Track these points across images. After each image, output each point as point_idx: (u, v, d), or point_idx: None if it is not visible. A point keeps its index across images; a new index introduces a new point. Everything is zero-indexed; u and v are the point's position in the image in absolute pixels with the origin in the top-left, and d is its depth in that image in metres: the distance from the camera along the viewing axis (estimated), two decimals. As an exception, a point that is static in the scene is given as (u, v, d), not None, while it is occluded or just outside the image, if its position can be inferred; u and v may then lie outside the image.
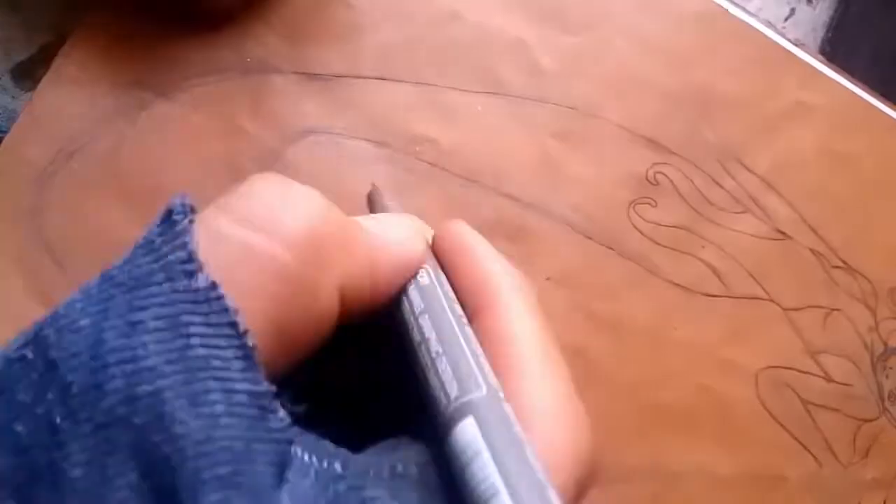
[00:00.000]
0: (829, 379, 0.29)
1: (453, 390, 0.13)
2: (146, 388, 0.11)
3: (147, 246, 0.13)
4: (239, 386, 0.12)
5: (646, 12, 0.29)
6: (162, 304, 0.12)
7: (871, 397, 0.30)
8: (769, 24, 0.30)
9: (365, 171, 0.27)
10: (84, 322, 0.12)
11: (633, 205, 0.28)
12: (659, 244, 0.28)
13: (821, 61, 0.30)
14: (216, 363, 0.12)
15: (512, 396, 0.14)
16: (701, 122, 0.29)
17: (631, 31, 0.29)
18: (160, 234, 0.13)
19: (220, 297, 0.12)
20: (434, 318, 0.15)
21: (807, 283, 0.29)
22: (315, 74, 0.27)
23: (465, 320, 0.15)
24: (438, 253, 0.17)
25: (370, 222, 0.16)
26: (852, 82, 0.30)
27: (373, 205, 0.22)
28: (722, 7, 0.29)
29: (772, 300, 0.29)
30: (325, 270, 0.14)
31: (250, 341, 0.12)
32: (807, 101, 0.29)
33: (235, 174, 0.26)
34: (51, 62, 0.26)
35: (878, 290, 0.29)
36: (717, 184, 0.29)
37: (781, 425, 0.29)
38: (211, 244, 0.13)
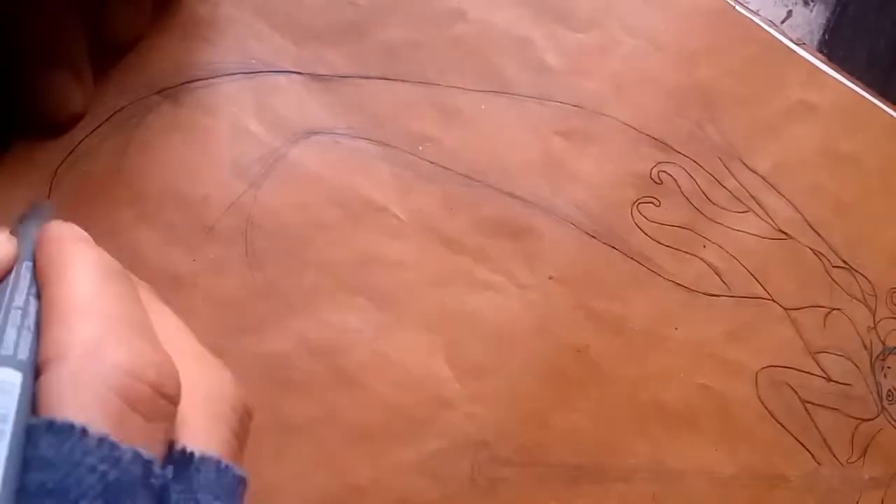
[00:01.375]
0: (828, 378, 0.30)
1: None
2: None
3: None
4: None
5: (652, 9, 0.29)
6: None
7: (870, 397, 0.30)
8: (772, 24, 0.30)
9: (368, 171, 0.27)
10: None
11: (636, 204, 0.28)
12: (661, 243, 0.28)
13: (823, 61, 0.30)
14: None
15: (46, 344, 0.15)
16: (705, 120, 0.29)
17: (637, 28, 0.29)
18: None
19: None
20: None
21: (807, 283, 0.30)
22: (319, 75, 0.27)
23: (20, 304, 0.17)
24: (35, 252, 0.18)
25: None
26: (854, 82, 0.30)
27: (26, 215, 0.22)
28: (728, 4, 0.29)
29: (772, 300, 0.29)
30: None
31: None
32: (809, 101, 0.29)
33: (240, 175, 0.26)
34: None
35: (878, 290, 0.29)
36: (720, 183, 0.29)
37: (781, 424, 0.29)
38: None
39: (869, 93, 0.30)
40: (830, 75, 0.30)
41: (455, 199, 0.27)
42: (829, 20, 0.75)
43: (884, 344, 0.30)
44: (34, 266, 0.18)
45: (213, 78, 0.27)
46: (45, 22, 0.23)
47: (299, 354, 0.26)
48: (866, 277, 0.29)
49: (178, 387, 0.16)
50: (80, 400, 0.15)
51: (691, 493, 0.28)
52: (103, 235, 0.25)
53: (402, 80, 0.28)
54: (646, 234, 0.28)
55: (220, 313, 0.26)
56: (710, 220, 0.29)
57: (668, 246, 0.28)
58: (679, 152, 0.29)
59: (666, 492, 0.27)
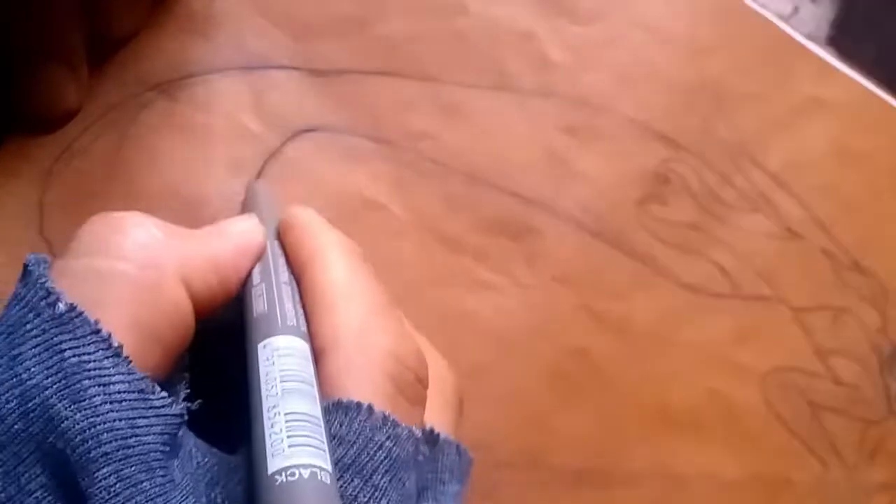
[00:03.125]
0: (837, 381, 0.29)
1: (263, 332, 0.17)
2: (35, 401, 0.14)
3: (15, 298, 0.15)
4: (114, 378, 0.14)
5: (659, 1, 0.29)
6: (35, 336, 0.14)
7: (879, 399, 0.30)
8: (781, 17, 0.30)
9: (367, 169, 0.27)
10: None
11: (642, 203, 0.28)
12: (667, 243, 0.28)
13: (833, 56, 0.29)
14: (89, 366, 0.14)
15: (320, 332, 0.17)
16: (714, 116, 0.29)
17: (643, 21, 0.28)
18: (24, 286, 0.16)
19: (80, 314, 0.15)
20: (266, 283, 0.18)
21: (817, 284, 0.29)
22: (317, 70, 0.27)
23: (286, 280, 0.18)
24: (280, 236, 0.20)
25: (213, 227, 0.19)
26: (865, 78, 0.30)
27: (249, 197, 0.23)
28: (736, -3, 0.29)
29: (781, 301, 0.29)
30: (159, 268, 0.16)
31: (115, 342, 0.15)
32: (820, 97, 0.29)
33: (237, 172, 0.26)
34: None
35: (889, 291, 0.29)
36: (728, 182, 0.29)
37: (788, 427, 0.29)
38: (63, 279, 0.15)
39: (881, 89, 0.30)
40: (841, 71, 0.29)
41: (455, 197, 0.27)
42: (836, 16, 0.74)
43: (893, 346, 0.30)
44: (283, 249, 0.19)
45: (209, 73, 0.27)
46: (40, 15, 0.23)
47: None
48: (876, 278, 0.29)
49: (427, 373, 0.18)
50: (359, 383, 0.16)
51: (697, 499, 0.27)
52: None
53: (402, 76, 0.27)
54: (651, 233, 0.28)
55: (218, 312, 0.25)
56: (719, 219, 0.28)
57: (674, 246, 0.28)
58: (687, 149, 0.28)
59: (671, 497, 0.27)
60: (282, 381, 0.16)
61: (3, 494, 0.13)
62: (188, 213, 0.26)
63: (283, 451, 0.14)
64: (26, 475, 0.14)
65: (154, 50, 0.26)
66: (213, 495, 0.15)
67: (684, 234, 0.28)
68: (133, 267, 0.16)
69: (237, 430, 0.16)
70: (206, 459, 0.16)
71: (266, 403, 0.15)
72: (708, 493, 0.27)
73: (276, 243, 0.19)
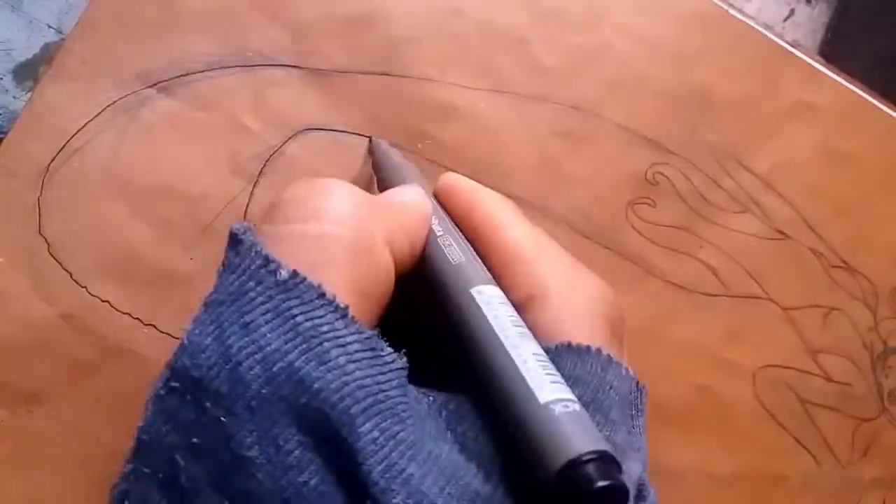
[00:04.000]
0: (828, 378, 0.29)
1: (469, 279, 0.18)
2: (280, 365, 0.14)
3: (229, 267, 0.16)
4: (349, 339, 0.15)
5: (647, 12, 0.29)
6: (262, 303, 0.15)
7: (871, 397, 0.30)
8: (767, 27, 0.30)
9: (366, 168, 0.27)
10: (208, 341, 0.15)
11: (631, 205, 0.28)
12: (657, 244, 0.28)
13: (820, 62, 0.30)
14: (324, 328, 0.15)
15: (522, 282, 0.18)
16: (701, 122, 0.29)
17: (632, 30, 0.29)
18: (235, 255, 0.16)
19: (304, 280, 0.15)
20: (451, 239, 0.19)
21: (806, 283, 0.29)
22: (317, 69, 0.27)
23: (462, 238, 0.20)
24: (440, 200, 0.21)
25: (387, 194, 0.20)
26: (852, 83, 0.30)
27: (377, 154, 0.25)
28: (722, 8, 0.30)
29: (771, 299, 0.29)
30: (370, 231, 0.17)
31: (341, 304, 0.15)
32: (807, 101, 0.29)
33: (236, 170, 0.26)
34: (52, 63, 0.26)
35: (879, 289, 0.29)
36: (716, 184, 0.29)
37: (780, 424, 0.29)
38: (277, 245, 0.16)
39: (869, 93, 0.30)
40: (829, 76, 0.30)
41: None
42: (832, 18, 0.74)
43: (885, 344, 0.30)
44: (446, 212, 0.21)
45: (208, 71, 0.27)
46: None
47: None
48: (867, 277, 0.29)
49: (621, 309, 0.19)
50: (580, 327, 0.17)
51: (690, 494, 0.27)
52: (97, 232, 0.25)
53: (401, 76, 0.28)
54: (641, 234, 0.28)
55: (217, 311, 0.26)
56: (707, 220, 0.29)
57: (663, 246, 0.28)
58: (674, 153, 0.29)
59: (663, 492, 0.27)
60: (514, 326, 0.16)
61: (262, 456, 0.14)
62: (188, 213, 0.26)
63: (545, 386, 0.15)
64: (282, 435, 0.14)
65: (153, 46, 0.26)
66: (459, 431, 0.16)
67: (673, 235, 0.28)
68: (346, 230, 0.17)
69: (433, 371, 0.17)
70: (432, 400, 0.17)
71: (507, 342, 0.16)
72: (700, 489, 0.28)
73: (438, 211, 0.21)
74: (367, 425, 0.14)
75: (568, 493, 0.14)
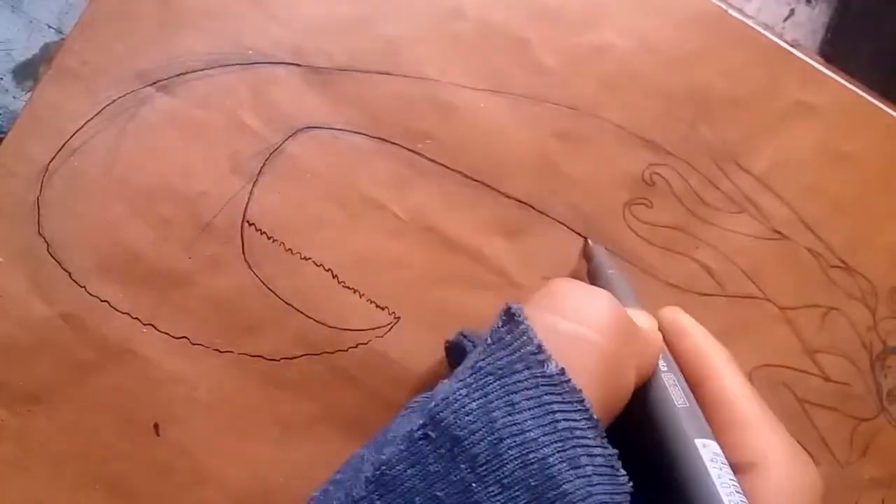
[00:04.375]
0: (826, 378, 0.29)
1: (694, 428, 0.18)
2: (535, 455, 0.15)
3: (500, 342, 0.17)
4: (597, 451, 0.16)
5: (645, 13, 0.29)
6: (527, 388, 0.16)
7: (870, 396, 0.30)
8: (767, 27, 0.30)
9: (367, 168, 0.27)
10: (473, 406, 0.16)
11: (628, 205, 0.28)
12: (654, 244, 0.28)
13: (819, 62, 0.30)
14: (578, 433, 0.16)
15: (744, 447, 0.19)
16: (699, 122, 0.29)
17: (630, 31, 0.29)
18: (508, 332, 0.17)
19: (569, 380, 0.16)
20: (674, 374, 0.19)
21: (804, 283, 0.29)
22: (318, 67, 0.27)
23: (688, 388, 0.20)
24: (664, 334, 0.22)
25: (634, 320, 0.20)
26: (851, 83, 0.30)
27: (591, 260, 0.25)
28: (721, 8, 0.30)
29: (768, 299, 0.29)
30: (627, 351, 0.18)
31: (594, 415, 0.16)
32: (806, 102, 0.29)
33: (236, 169, 0.26)
34: (52, 63, 0.26)
35: (878, 289, 0.29)
36: (713, 184, 0.29)
37: (779, 424, 0.29)
38: (546, 336, 0.17)
39: (868, 93, 0.30)
40: (828, 76, 0.30)
41: (454, 197, 0.27)
42: (832, 18, 0.74)
43: (884, 344, 0.30)
44: (672, 352, 0.21)
45: (208, 69, 0.27)
46: None
47: (297, 353, 0.26)
48: (866, 277, 0.29)
49: None
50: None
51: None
52: (96, 231, 0.25)
53: (402, 76, 0.28)
54: (638, 235, 0.28)
55: (217, 312, 0.26)
56: (703, 220, 0.29)
57: (660, 247, 0.28)
58: (671, 154, 0.29)
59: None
60: (736, 491, 0.17)
61: None
62: (188, 212, 0.26)
63: None
64: None
65: (153, 45, 0.26)
66: None
67: (670, 235, 0.28)
68: (612, 346, 0.17)
69: None
70: None
71: (727, 501, 0.17)
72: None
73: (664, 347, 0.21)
74: None
75: None
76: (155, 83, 0.26)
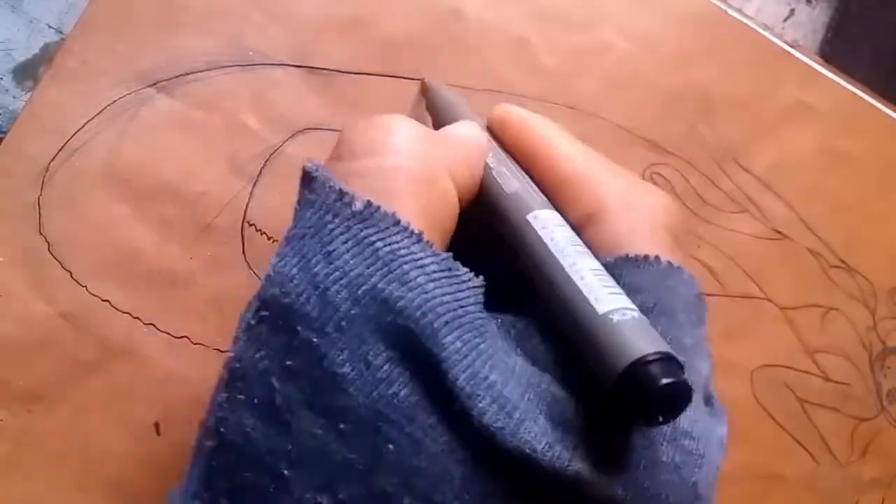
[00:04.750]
0: (826, 378, 0.29)
1: (524, 206, 0.18)
2: (364, 288, 0.15)
3: (306, 203, 0.17)
4: (426, 260, 0.16)
5: (646, 13, 0.29)
6: (341, 233, 0.16)
7: (870, 396, 0.30)
8: (766, 27, 0.30)
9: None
10: (293, 271, 0.16)
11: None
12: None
13: (819, 62, 0.30)
14: (402, 252, 0.16)
15: (578, 201, 0.19)
16: (699, 122, 0.29)
17: (630, 31, 0.29)
18: (311, 192, 0.17)
19: (378, 209, 0.16)
20: (505, 170, 0.20)
21: (804, 283, 0.29)
22: (317, 68, 0.27)
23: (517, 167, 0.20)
24: (493, 132, 0.22)
25: (445, 129, 0.20)
26: (850, 83, 0.30)
27: (431, 93, 0.25)
28: (721, 8, 0.30)
29: (768, 299, 0.29)
30: (434, 162, 0.18)
31: (415, 230, 0.16)
32: (806, 102, 0.29)
33: (236, 169, 0.26)
34: (52, 63, 0.26)
35: (878, 289, 0.29)
36: (714, 184, 0.29)
37: (779, 424, 0.29)
38: (347, 179, 0.17)
39: (867, 93, 0.30)
40: (827, 76, 0.30)
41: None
42: (832, 18, 0.74)
43: (884, 344, 0.30)
44: (498, 141, 0.21)
45: (208, 70, 0.27)
46: None
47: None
48: (866, 277, 0.29)
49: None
50: (640, 239, 0.18)
51: (689, 493, 0.27)
52: (97, 231, 0.25)
53: (401, 77, 0.28)
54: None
55: (218, 312, 0.26)
56: (705, 220, 0.29)
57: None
58: (672, 153, 0.29)
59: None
60: (571, 245, 0.17)
61: (353, 372, 0.15)
62: (188, 212, 0.26)
63: (603, 297, 0.16)
64: (372, 352, 0.15)
65: (153, 46, 0.26)
66: (528, 347, 0.17)
67: (672, 234, 0.28)
68: (411, 161, 0.17)
69: (497, 298, 0.17)
70: (500, 321, 0.17)
71: (564, 262, 0.17)
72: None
73: (492, 143, 0.21)
74: (450, 337, 0.15)
75: (633, 395, 0.14)
76: (155, 84, 0.26)
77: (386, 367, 0.15)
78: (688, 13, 0.29)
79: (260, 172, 0.26)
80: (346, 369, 0.15)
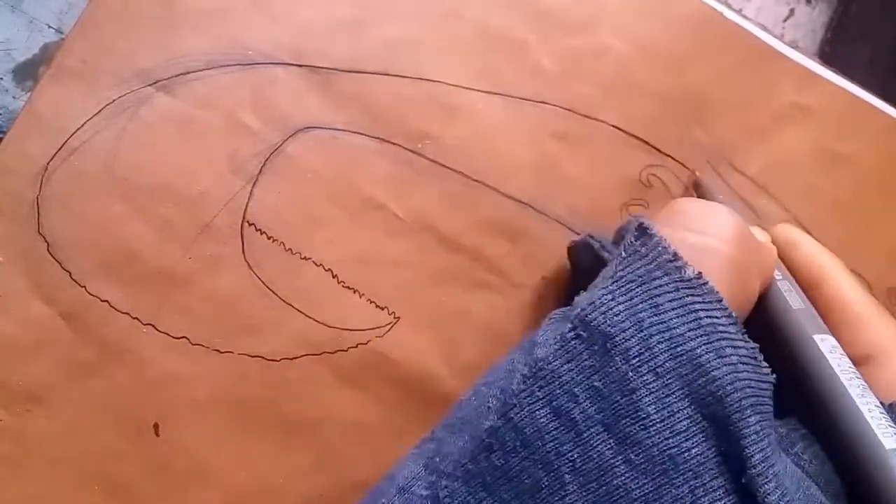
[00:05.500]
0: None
1: (812, 325, 0.20)
2: (683, 348, 0.17)
3: (636, 254, 0.18)
4: (739, 343, 0.17)
5: (642, 16, 0.29)
6: (668, 292, 0.17)
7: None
8: (764, 28, 0.30)
9: (367, 168, 0.27)
10: (619, 308, 0.17)
11: (625, 206, 0.28)
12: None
13: (816, 63, 0.30)
14: (720, 328, 0.17)
15: (860, 341, 0.20)
16: (695, 124, 0.29)
17: (627, 34, 0.29)
18: (642, 245, 0.18)
19: (706, 282, 0.17)
20: (790, 286, 0.21)
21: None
22: (318, 67, 0.27)
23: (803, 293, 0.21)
24: (778, 246, 0.23)
25: (746, 230, 0.21)
26: (847, 83, 0.30)
27: (703, 194, 0.27)
28: (718, 11, 0.30)
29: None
30: (750, 260, 0.19)
31: (732, 312, 0.17)
32: (801, 103, 0.29)
33: (236, 169, 0.26)
34: (52, 63, 0.26)
35: (876, 289, 0.29)
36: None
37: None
38: (677, 248, 0.18)
39: (865, 93, 0.30)
40: (823, 77, 0.30)
41: (453, 197, 0.27)
42: (831, 18, 0.75)
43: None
44: (785, 262, 0.23)
45: (208, 69, 0.27)
46: None
47: (298, 353, 0.26)
48: (863, 278, 0.29)
49: None
50: None
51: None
52: (96, 231, 0.25)
53: (402, 76, 0.28)
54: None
55: (217, 312, 0.26)
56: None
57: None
58: (668, 155, 0.29)
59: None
60: (856, 377, 0.18)
61: (657, 415, 0.16)
62: (187, 212, 0.26)
63: (890, 434, 0.17)
64: (677, 405, 0.16)
65: (153, 45, 0.26)
66: (792, 452, 0.18)
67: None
68: (737, 253, 0.19)
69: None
70: (770, 423, 0.18)
71: (853, 391, 0.18)
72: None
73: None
74: (753, 418, 0.16)
75: None
76: (155, 83, 0.26)
77: (686, 422, 0.16)
78: (685, 16, 0.29)
79: (260, 172, 0.26)
80: (651, 409, 0.16)
